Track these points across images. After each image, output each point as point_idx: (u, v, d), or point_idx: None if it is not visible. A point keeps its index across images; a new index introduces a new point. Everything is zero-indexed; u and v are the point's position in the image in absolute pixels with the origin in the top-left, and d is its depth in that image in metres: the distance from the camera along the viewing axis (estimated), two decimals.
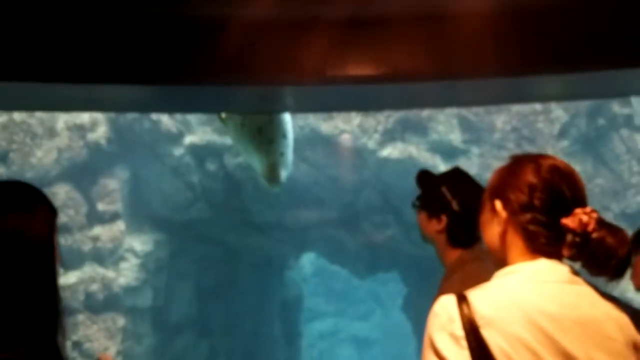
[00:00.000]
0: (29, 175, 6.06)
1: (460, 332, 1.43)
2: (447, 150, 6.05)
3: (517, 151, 6.10)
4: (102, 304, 6.33)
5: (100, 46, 2.18)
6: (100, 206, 6.54)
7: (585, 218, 1.47)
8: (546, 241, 1.50)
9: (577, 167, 2.16)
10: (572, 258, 1.51)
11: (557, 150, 6.16)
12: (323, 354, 11.81)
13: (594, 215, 1.48)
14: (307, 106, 3.36)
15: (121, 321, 6.49)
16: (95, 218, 6.50)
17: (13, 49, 2.13)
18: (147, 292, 6.77)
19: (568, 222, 1.48)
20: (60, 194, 6.28)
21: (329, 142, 6.34)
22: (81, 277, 6.30)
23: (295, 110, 3.45)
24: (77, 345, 6.20)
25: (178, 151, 6.62)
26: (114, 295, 6.42)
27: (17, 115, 6.15)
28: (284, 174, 4.41)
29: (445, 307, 1.47)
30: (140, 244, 6.76)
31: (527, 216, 1.51)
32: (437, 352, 1.44)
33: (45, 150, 6.30)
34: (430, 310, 1.51)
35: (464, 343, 1.42)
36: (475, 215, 2.35)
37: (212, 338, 7.21)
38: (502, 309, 1.43)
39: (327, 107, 3.76)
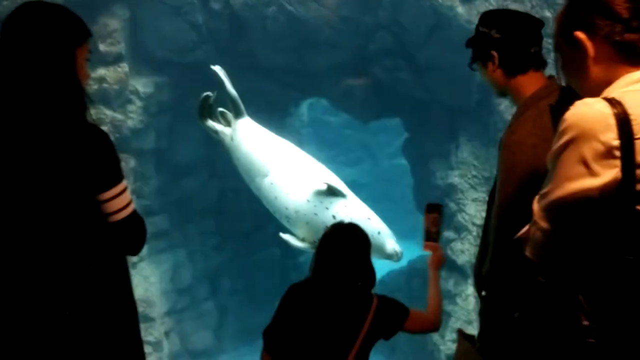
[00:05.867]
0: None
1: (616, 141, 1.38)
2: None
3: None
4: None
5: None
6: (102, 47, 6.31)
7: None
8: None
9: None
10: None
11: None
12: None
13: None
14: None
15: (132, 162, 6.58)
16: (98, 59, 6.29)
17: None
18: (151, 135, 6.81)
19: None
20: None
21: None
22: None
23: None
24: None
25: None
26: (124, 138, 6.43)
27: None
28: None
29: (601, 111, 1.40)
30: (142, 86, 6.65)
31: (618, 28, 1.51)
32: (584, 160, 1.39)
33: None
34: (571, 113, 1.44)
35: (618, 153, 1.38)
36: (518, 36, 2.29)
37: (222, 179, 7.39)
38: None
39: None
